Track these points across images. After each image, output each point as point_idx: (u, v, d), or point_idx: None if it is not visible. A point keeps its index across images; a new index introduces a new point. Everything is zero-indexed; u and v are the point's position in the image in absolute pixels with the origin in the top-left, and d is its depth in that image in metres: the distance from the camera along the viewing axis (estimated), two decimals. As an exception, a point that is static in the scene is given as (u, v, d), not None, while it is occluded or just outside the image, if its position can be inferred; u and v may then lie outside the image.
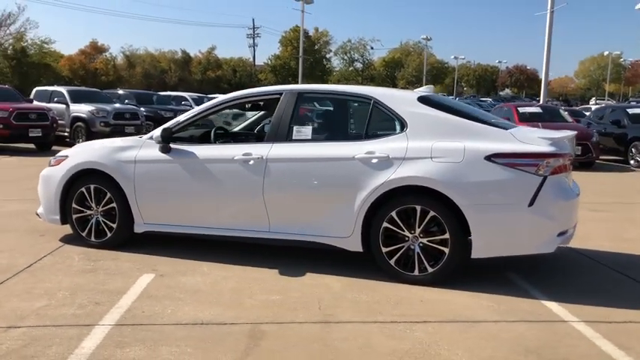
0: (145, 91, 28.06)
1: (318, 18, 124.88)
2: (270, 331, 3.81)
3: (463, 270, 4.91)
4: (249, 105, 6.21)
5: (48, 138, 15.87)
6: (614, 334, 3.85)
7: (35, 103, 17.80)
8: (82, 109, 17.40)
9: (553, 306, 4.36)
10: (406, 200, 4.76)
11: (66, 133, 17.43)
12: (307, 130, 5.20)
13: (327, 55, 70.10)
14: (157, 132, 5.52)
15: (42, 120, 15.69)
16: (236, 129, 6.82)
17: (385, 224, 4.81)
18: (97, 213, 5.75)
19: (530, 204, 4.53)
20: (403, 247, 4.80)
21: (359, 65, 74.70)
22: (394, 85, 75.75)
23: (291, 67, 63.38)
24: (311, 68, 65.12)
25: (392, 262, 4.83)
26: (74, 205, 5.81)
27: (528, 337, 3.78)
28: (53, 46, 46.50)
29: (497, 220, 4.60)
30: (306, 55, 64.29)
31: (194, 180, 5.40)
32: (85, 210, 5.79)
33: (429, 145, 4.76)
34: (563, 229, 4.67)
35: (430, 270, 4.75)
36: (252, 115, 6.88)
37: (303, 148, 5.12)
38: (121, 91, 23.72)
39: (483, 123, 4.91)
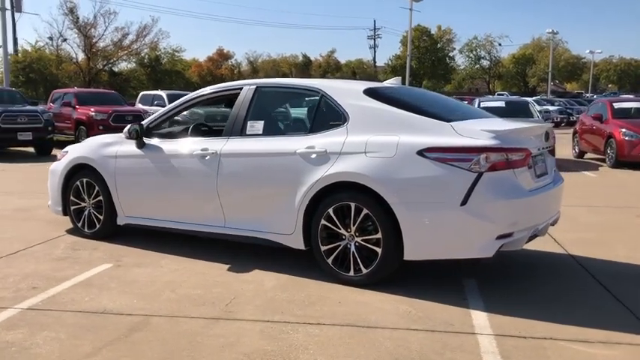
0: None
1: (441, 15, 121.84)
2: (156, 323, 3.83)
3: (415, 272, 4.60)
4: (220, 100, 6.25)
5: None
6: (514, 351, 3.41)
7: (138, 106, 19.20)
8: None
9: (479, 317, 3.94)
10: (342, 197, 4.55)
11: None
12: (260, 125, 5.14)
13: (451, 54, 68.18)
14: (129, 127, 5.76)
15: (137, 120, 16.87)
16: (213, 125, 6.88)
17: (323, 222, 4.63)
18: (90, 205, 6.10)
19: (463, 203, 4.13)
20: (340, 246, 4.60)
21: (485, 63, 71.85)
22: (525, 84, 72.10)
23: (412, 66, 62.51)
24: (433, 67, 63.84)
25: (329, 261, 4.64)
26: (71, 198, 6.22)
27: (412, 347, 3.46)
28: (183, 54, 49.86)
29: (428, 220, 4.25)
30: (428, 54, 63.22)
31: (161, 175, 5.56)
32: (80, 202, 6.18)
33: (364, 140, 4.52)
34: (506, 232, 4.19)
35: (364, 271, 4.50)
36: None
37: (253, 143, 5.07)
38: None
39: (429, 115, 4.55)
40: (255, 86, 5.32)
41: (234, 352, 3.40)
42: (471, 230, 4.18)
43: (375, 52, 66.49)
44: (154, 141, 5.69)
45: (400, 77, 5.64)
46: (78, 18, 42.42)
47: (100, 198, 5.99)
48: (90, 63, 44.49)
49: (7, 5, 24.57)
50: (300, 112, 5.24)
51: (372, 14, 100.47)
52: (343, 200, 4.53)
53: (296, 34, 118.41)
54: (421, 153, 4.26)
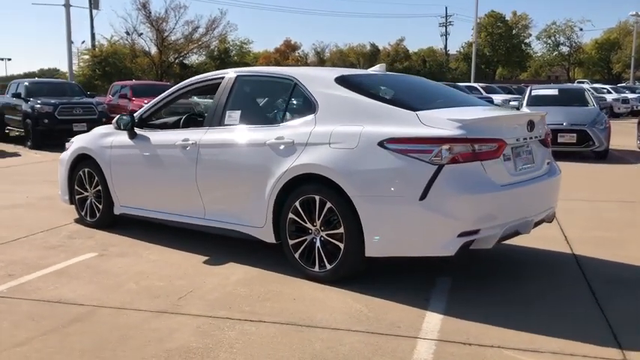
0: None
1: (517, 1, 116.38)
2: (100, 315, 3.82)
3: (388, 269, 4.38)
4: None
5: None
6: (449, 359, 3.15)
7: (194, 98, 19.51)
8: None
9: (433, 319, 3.68)
10: (307, 190, 4.38)
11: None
12: (237, 115, 5.04)
13: (527, 40, 65.47)
14: (117, 118, 5.81)
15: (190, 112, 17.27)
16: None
17: (291, 215, 4.48)
18: (91, 195, 6.22)
19: (422, 197, 3.86)
20: (306, 240, 4.43)
21: (565, 49, 68.50)
22: (609, 70, 68.27)
23: (485, 53, 60.58)
24: (507, 54, 61.56)
25: (297, 255, 4.49)
26: (76, 187, 6.37)
27: (341, 350, 3.26)
28: (251, 46, 50.58)
29: (388, 214, 4.01)
30: (502, 40, 61.03)
31: (149, 165, 5.58)
32: (82, 192, 6.32)
33: (330, 130, 4.32)
34: (469, 229, 3.88)
35: (328, 267, 4.32)
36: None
37: (228, 134, 4.98)
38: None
39: (397, 104, 4.28)
40: (235, 75, 5.22)
41: (157, 347, 3.32)
42: (430, 227, 3.91)
43: (446, 39, 64.94)
44: (145, 132, 5.71)
45: (384, 64, 5.36)
46: (150, 13, 43.81)
47: (99, 187, 6.09)
48: (162, 56, 45.87)
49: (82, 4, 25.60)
50: (275, 102, 5.09)
51: (444, 1, 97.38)
52: (309, 193, 4.36)
53: (364, 23, 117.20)
54: (382, 144, 4.02)
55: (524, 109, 13.09)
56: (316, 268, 4.38)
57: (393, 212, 3.99)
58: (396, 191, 3.95)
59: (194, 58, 48.34)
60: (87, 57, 43.34)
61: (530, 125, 4.35)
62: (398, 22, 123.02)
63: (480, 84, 30.15)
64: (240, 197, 4.82)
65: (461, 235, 3.86)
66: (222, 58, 48.26)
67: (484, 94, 26.06)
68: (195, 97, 15.65)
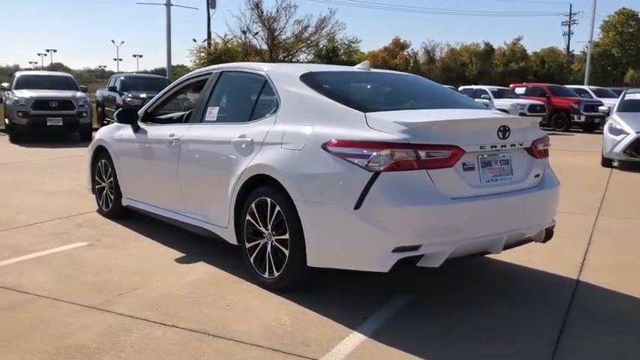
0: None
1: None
2: (36, 304, 3.86)
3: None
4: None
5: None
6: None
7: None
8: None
9: (351, 341, 3.36)
10: (261, 192, 4.18)
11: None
12: (215, 111, 4.95)
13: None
14: (116, 112, 5.92)
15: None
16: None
17: (247, 217, 4.31)
18: (107, 185, 6.41)
19: (357, 206, 3.53)
20: (260, 244, 4.23)
21: None
22: None
23: (612, 54, 56.19)
24: (639, 55, 56.64)
25: (251, 259, 4.30)
26: (95, 177, 6.59)
27: (227, 364, 3.04)
28: (359, 45, 50.49)
29: (327, 222, 3.72)
30: (633, 40, 56.38)
31: (145, 159, 5.65)
32: (100, 182, 6.52)
33: (283, 130, 4.09)
34: (407, 244, 3.49)
35: (276, 274, 4.09)
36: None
37: (205, 130, 4.90)
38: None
39: (351, 104, 3.95)
40: (220, 71, 5.12)
41: (53, 343, 3.28)
42: (365, 239, 3.57)
43: (569, 39, 60.89)
44: (147, 126, 5.76)
45: (369, 62, 4.98)
46: (262, 12, 44.98)
47: (112, 179, 6.25)
48: (272, 55, 47.04)
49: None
50: (248, 98, 4.90)
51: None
52: (262, 195, 4.16)
53: (478, 21, 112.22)
54: (325, 147, 3.73)
55: (614, 116, 11.90)
56: (266, 275, 4.16)
57: (331, 220, 3.69)
58: (335, 198, 3.64)
59: (303, 57, 49.09)
60: (203, 54, 45.37)
61: (503, 131, 3.84)
62: (515, 20, 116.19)
63: (592, 87, 27.93)
64: (209, 196, 4.72)
65: (397, 250, 3.48)
66: (330, 57, 48.56)
67: (595, 97, 24.11)
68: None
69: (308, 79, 4.30)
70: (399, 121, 3.60)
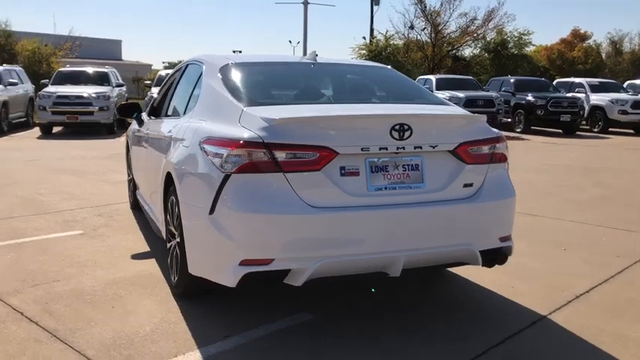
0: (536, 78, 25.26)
1: None
2: (-46, 287, 4.08)
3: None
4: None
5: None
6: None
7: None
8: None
9: (184, 358, 3.02)
10: (170, 190, 3.97)
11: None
12: (172, 105, 4.83)
13: None
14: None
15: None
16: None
17: (167, 216, 4.13)
18: (128, 178, 6.66)
19: (211, 211, 3.17)
20: (172, 245, 4.03)
21: None
22: None
23: None
24: None
25: (168, 260, 4.12)
26: (127, 169, 6.87)
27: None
28: (531, 37, 47.05)
29: (195, 227, 3.40)
30: None
31: (136, 153, 5.74)
32: (129, 174, 6.78)
33: (187, 125, 3.85)
34: (255, 257, 3.03)
35: (176, 278, 3.86)
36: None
37: (156, 125, 4.84)
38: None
39: (241, 98, 3.56)
40: (186, 63, 4.98)
41: None
42: (217, 248, 3.19)
43: None
44: (148, 120, 5.82)
45: (315, 51, 4.38)
46: (425, 7, 44.07)
47: (133, 172, 6.46)
48: (434, 49, 45.93)
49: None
50: (189, 91, 4.64)
51: None
52: (170, 194, 3.95)
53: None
54: (200, 144, 3.41)
55: None
56: (173, 277, 3.95)
57: (195, 225, 3.37)
58: (199, 201, 3.31)
59: (468, 51, 47.12)
60: (363, 52, 45.71)
61: (400, 131, 3.18)
62: None
63: None
64: (153, 193, 4.62)
65: (243, 263, 3.05)
66: (499, 50, 46.00)
67: None
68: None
69: (225, 70, 3.98)
70: (264, 117, 3.16)
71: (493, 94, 18.09)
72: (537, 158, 12.32)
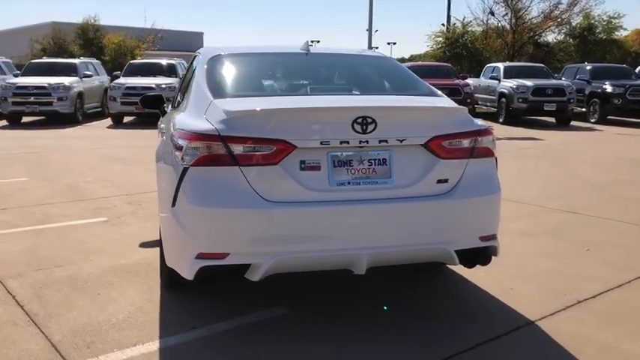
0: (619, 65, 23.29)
1: None
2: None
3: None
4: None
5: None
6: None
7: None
8: (505, 85, 17.26)
9: (143, 348, 3.06)
10: (160, 181, 4.03)
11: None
12: (177, 96, 4.88)
13: None
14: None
15: (454, 95, 16.54)
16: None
17: (161, 206, 4.20)
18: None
19: (173, 204, 3.18)
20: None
21: None
22: None
23: None
24: None
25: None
26: (160, 160, 7.06)
27: (-8, 351, 3.04)
28: (621, 21, 44.29)
29: (164, 219, 3.45)
30: None
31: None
32: (161, 164, 6.96)
33: (173, 116, 3.89)
34: (209, 251, 3.00)
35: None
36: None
37: (165, 117, 4.88)
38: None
39: (212, 91, 3.52)
40: (194, 55, 5.00)
41: None
42: (178, 240, 3.20)
43: None
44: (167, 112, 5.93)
45: (308, 40, 4.21)
46: (505, -9, 42.45)
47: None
48: (514, 36, 44.25)
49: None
50: (188, 82, 4.62)
51: None
52: (160, 184, 4.01)
53: None
54: (172, 136, 3.43)
55: None
56: (160, 267, 4.01)
57: (165, 217, 3.40)
58: (167, 193, 3.33)
59: (552, 37, 44.98)
60: (440, 39, 44.65)
61: (362, 124, 3.05)
62: None
63: None
64: None
65: (199, 257, 3.05)
66: (585, 36, 43.64)
67: None
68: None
69: (212, 62, 3.95)
70: (225, 109, 3.13)
71: (564, 82, 17.15)
72: (604, 151, 11.60)
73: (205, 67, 3.88)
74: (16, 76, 17.39)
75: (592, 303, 3.72)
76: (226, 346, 3.12)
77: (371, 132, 3.05)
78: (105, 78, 19.31)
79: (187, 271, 3.09)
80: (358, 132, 3.04)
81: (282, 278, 3.18)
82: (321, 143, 3.02)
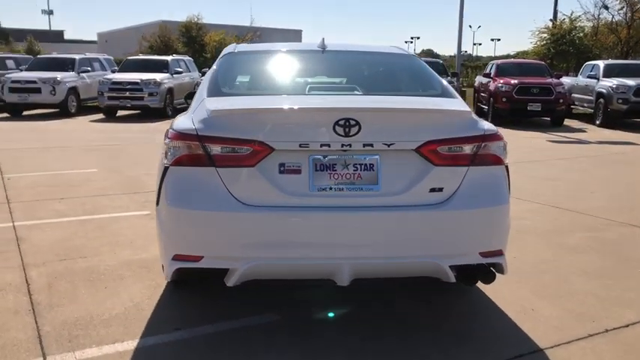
0: None
1: None
2: None
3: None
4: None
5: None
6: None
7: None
8: (604, 85, 16.06)
9: (118, 347, 3.06)
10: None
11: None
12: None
13: None
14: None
15: (545, 94, 15.68)
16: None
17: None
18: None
19: (157, 202, 3.16)
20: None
21: None
22: None
23: None
24: None
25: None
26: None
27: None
28: None
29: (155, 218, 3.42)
30: None
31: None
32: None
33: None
34: (184, 253, 2.94)
35: (167, 266, 3.94)
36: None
37: None
38: None
39: (208, 89, 3.46)
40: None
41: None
42: (160, 240, 3.17)
43: None
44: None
45: (324, 38, 3.97)
46: (621, -17, 39.63)
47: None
48: (629, 32, 41.32)
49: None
50: None
51: None
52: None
53: None
54: (167, 135, 3.41)
55: None
56: (169, 264, 4.03)
57: (155, 216, 3.38)
58: (156, 193, 3.31)
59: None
60: (545, 35, 42.49)
61: (345, 126, 2.85)
62: None
63: None
64: None
65: (175, 258, 2.99)
66: None
67: None
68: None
69: (222, 59, 3.91)
70: (208, 108, 3.05)
71: (673, 82, 15.65)
72: None
73: (215, 64, 3.84)
74: (114, 72, 18.40)
75: (619, 334, 3.30)
76: (197, 350, 3.04)
77: (354, 135, 2.86)
78: (196, 74, 19.98)
79: (165, 271, 3.05)
80: (340, 135, 2.86)
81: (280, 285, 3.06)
82: (300, 146, 2.87)
